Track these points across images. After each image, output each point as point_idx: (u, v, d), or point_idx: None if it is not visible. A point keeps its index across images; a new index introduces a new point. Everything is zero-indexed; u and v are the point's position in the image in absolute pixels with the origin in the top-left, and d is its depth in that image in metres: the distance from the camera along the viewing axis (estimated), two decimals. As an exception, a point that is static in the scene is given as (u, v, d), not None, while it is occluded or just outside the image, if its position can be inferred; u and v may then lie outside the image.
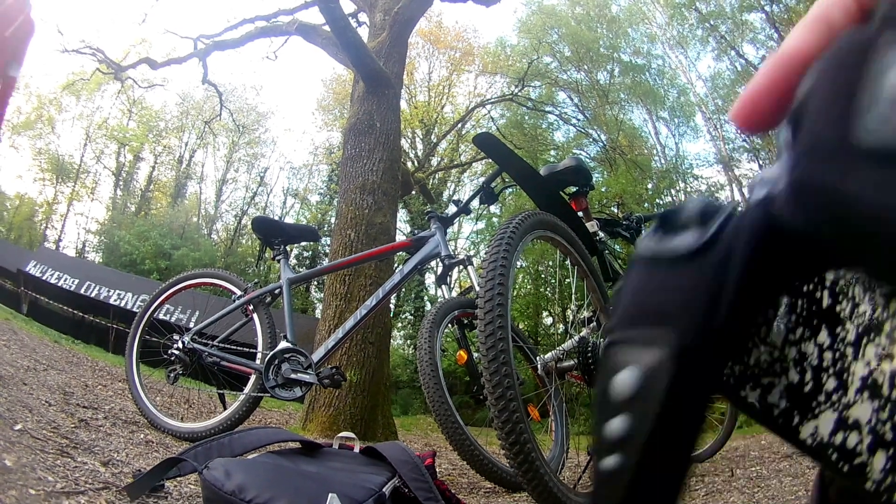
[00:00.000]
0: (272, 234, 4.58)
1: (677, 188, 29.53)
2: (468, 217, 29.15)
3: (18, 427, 2.62)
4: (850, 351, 0.37)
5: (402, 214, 30.25)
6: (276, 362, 3.96)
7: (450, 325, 4.19)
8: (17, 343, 7.34)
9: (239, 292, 4.54)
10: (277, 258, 4.53)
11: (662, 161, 31.82)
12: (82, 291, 23.02)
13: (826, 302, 0.39)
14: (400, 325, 31.69)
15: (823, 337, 0.38)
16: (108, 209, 41.83)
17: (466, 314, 4.22)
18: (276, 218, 4.58)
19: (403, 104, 29.72)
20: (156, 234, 32.27)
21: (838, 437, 0.37)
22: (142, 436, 3.77)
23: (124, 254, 31.42)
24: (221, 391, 4.40)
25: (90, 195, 42.01)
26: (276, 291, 4.46)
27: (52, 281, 23.33)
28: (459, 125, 31.25)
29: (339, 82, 34.15)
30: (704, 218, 0.42)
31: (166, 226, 34.81)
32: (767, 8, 26.46)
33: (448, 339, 4.47)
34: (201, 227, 41.11)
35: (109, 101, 40.02)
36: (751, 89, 0.47)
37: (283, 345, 4.04)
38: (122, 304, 22.48)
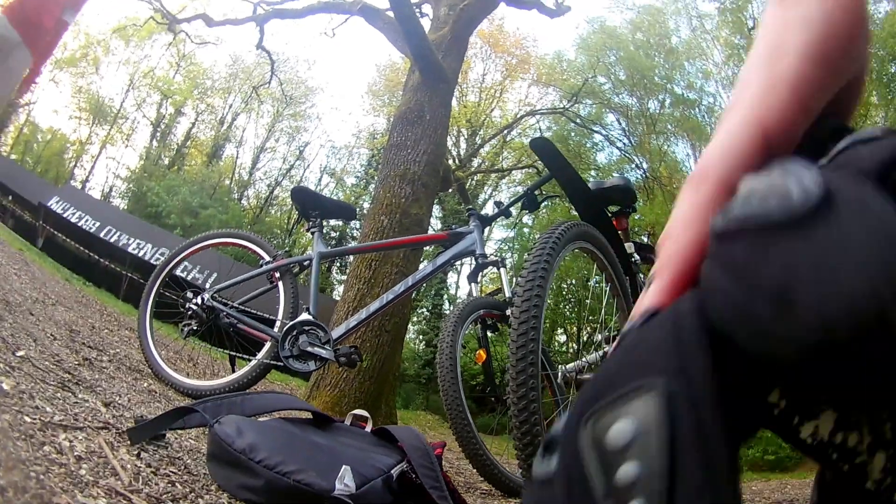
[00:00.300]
0: (310, 205, 4.56)
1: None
2: (501, 224, 29.43)
3: (21, 353, 2.59)
4: None
5: (435, 210, 30.46)
6: (295, 333, 3.94)
7: (473, 323, 4.19)
8: (27, 274, 7.45)
9: (268, 258, 4.52)
10: (312, 230, 4.50)
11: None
12: (101, 235, 23.28)
13: None
14: (415, 318, 31.83)
15: None
16: (142, 158, 42.22)
17: (491, 315, 4.23)
18: (316, 192, 4.56)
19: (454, 101, 30.07)
20: (186, 190, 32.52)
21: (839, 437, 0.37)
22: (145, 384, 3.76)
23: (150, 205, 31.73)
24: (233, 354, 4.35)
25: (125, 141, 42.45)
26: (305, 263, 4.47)
27: (73, 220, 23.66)
28: (506, 131, 31.59)
29: (393, 69, 34.43)
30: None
31: (198, 184, 34.97)
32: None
33: (467, 338, 4.47)
34: (233, 190, 41.30)
35: (159, 52, 40.45)
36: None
37: (304, 316, 4.02)
38: (141, 255, 22.76)
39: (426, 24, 10.77)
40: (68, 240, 22.38)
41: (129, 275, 20.10)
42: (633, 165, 31.57)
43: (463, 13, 10.15)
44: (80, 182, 39.66)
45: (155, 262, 21.66)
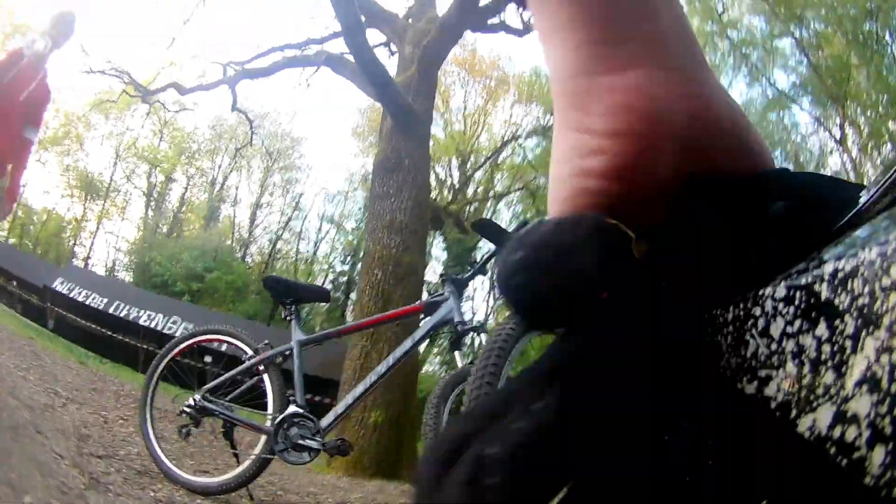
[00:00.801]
0: (283, 293, 4.60)
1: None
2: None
3: (28, 500, 2.70)
4: (848, 344, 0.36)
5: (437, 242, 30.95)
6: (285, 426, 4.01)
7: (458, 397, 4.17)
8: (38, 370, 7.40)
9: (250, 352, 4.52)
10: (288, 318, 4.53)
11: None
12: (111, 311, 23.13)
13: (825, 294, 0.38)
14: (435, 350, 31.60)
15: (822, 329, 0.38)
16: (139, 229, 41.80)
17: None
18: (289, 278, 4.54)
19: (439, 132, 30.45)
20: (188, 256, 32.10)
21: (836, 431, 0.36)
22: (152, 493, 3.84)
23: (155, 275, 31.31)
24: (235, 451, 4.46)
25: (121, 214, 42.06)
26: (287, 353, 4.44)
27: (80, 299, 23.48)
28: (495, 155, 31.58)
29: (374, 110, 33.77)
30: None
31: (199, 248, 34.37)
32: (796, 34, 26.46)
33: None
34: (235, 250, 40.68)
35: (139, 121, 39.94)
36: None
37: (291, 409, 4.09)
38: (153, 325, 22.70)
39: (395, 62, 10.76)
40: (79, 319, 22.16)
41: (145, 346, 20.05)
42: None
43: (427, 49, 10.13)
44: (82, 260, 39.27)
45: (167, 331, 22.17)
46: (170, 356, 4.84)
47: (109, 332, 21.36)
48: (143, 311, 23.13)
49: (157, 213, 42.55)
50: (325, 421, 4.07)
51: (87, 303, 23.37)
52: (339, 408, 4.15)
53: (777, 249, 0.45)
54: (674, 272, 0.45)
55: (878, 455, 0.33)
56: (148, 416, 4.70)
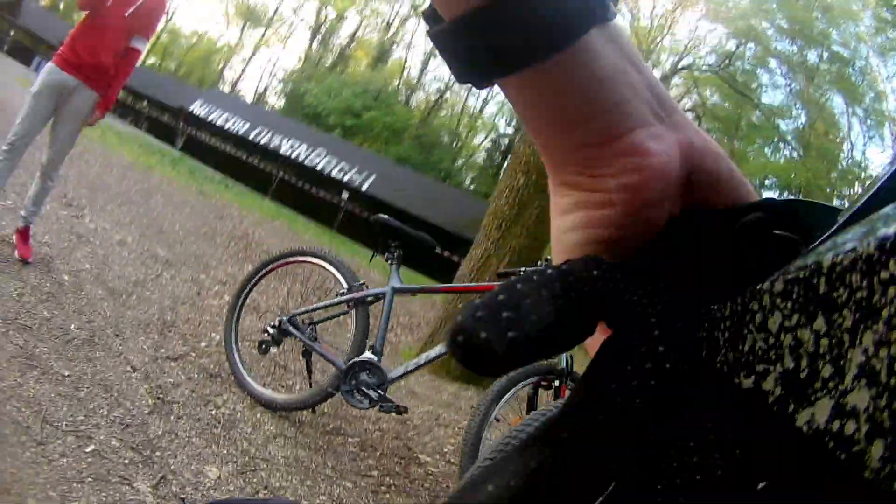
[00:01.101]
0: (390, 236, 4.59)
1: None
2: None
3: (91, 448, 2.83)
4: (847, 337, 0.37)
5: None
6: (356, 369, 4.11)
7: (526, 388, 4.23)
8: (141, 223, 7.38)
9: (345, 287, 4.53)
10: (389, 261, 4.56)
11: (849, 159, 31.67)
12: (251, 136, 23.12)
13: (822, 288, 0.39)
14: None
15: (820, 323, 0.39)
16: (300, 60, 41.76)
17: (548, 380, 4.23)
18: (399, 223, 4.42)
19: (626, 26, 30.31)
20: (348, 92, 31.83)
21: (835, 425, 0.37)
22: (213, 411, 3.96)
23: (308, 106, 31.43)
24: (310, 375, 4.56)
25: (282, 43, 42.27)
26: (380, 296, 4.46)
27: (219, 123, 23.58)
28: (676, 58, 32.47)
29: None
30: None
31: (361, 86, 34.02)
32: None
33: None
34: (400, 93, 40.01)
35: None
36: None
37: (366, 355, 4.18)
38: (294, 156, 22.69)
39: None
40: (212, 139, 22.55)
41: (281, 174, 20.51)
42: (791, 116, 31.43)
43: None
44: (230, 83, 39.69)
45: (308, 164, 22.22)
46: (261, 273, 4.97)
47: (245, 156, 21.65)
48: (287, 140, 23.10)
49: (324, 47, 42.10)
50: (394, 373, 4.15)
51: (226, 127, 23.45)
52: (410, 365, 4.21)
53: (776, 252, 0.47)
54: (674, 272, 0.47)
55: (878, 449, 0.34)
56: (233, 331, 4.83)
